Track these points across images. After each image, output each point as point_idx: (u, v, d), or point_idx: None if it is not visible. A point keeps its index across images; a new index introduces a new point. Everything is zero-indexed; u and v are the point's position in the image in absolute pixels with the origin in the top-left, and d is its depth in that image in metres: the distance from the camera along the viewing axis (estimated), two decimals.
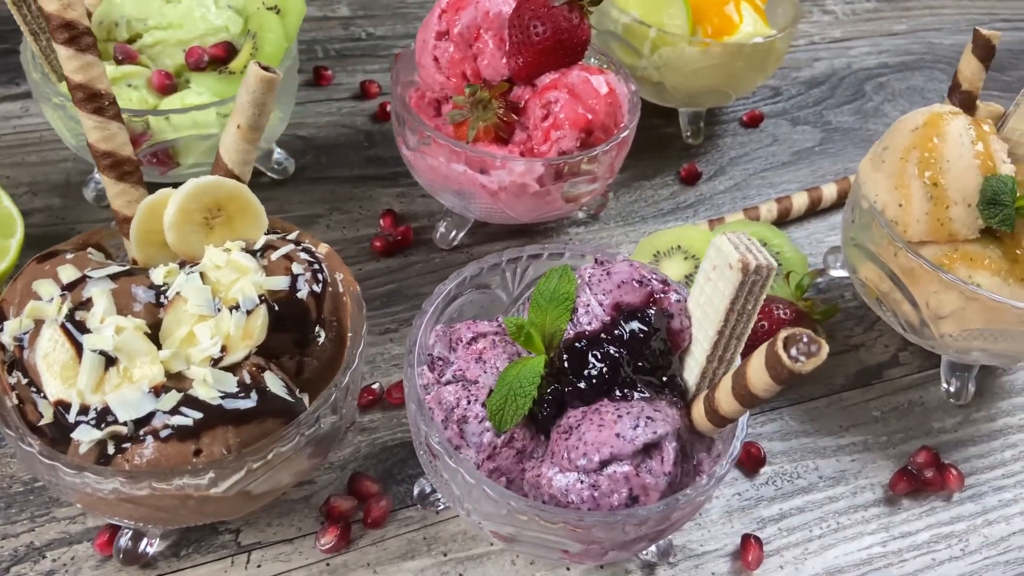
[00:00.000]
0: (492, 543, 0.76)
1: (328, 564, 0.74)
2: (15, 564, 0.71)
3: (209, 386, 0.62)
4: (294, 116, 1.15)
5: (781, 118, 1.29)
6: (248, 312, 0.65)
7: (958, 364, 0.92)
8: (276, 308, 0.67)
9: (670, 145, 1.21)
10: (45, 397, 0.62)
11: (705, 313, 0.66)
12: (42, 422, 0.62)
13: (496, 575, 0.75)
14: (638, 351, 0.68)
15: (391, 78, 0.96)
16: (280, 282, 0.68)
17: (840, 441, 0.88)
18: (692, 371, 0.69)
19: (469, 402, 0.67)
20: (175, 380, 0.63)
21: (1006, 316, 0.80)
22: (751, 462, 0.84)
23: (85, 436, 0.60)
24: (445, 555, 0.76)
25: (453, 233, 1.01)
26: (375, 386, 0.85)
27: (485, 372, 0.69)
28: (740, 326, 0.65)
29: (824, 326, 0.99)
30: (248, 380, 0.64)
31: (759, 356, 0.58)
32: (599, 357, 0.67)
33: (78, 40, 0.64)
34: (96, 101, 0.67)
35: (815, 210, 1.12)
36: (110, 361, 0.62)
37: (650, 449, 0.64)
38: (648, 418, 0.64)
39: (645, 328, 0.68)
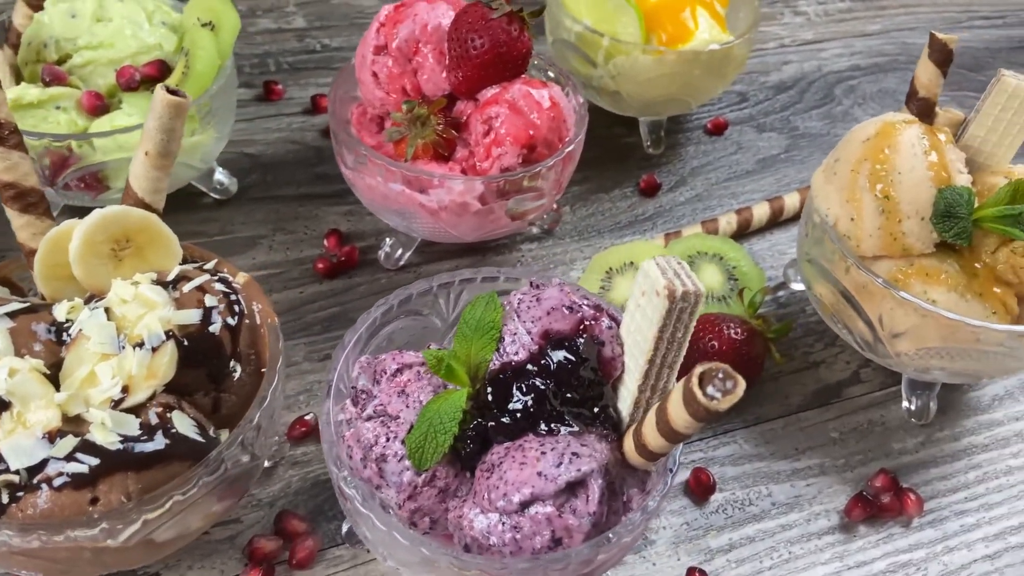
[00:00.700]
0: None
1: None
2: None
3: (108, 429, 0.59)
4: (242, 133, 1.12)
5: (747, 125, 1.26)
6: (153, 349, 0.62)
7: (919, 382, 0.89)
8: (186, 343, 0.64)
9: (631, 155, 1.18)
10: None
11: (636, 341, 0.63)
12: None
13: None
14: (566, 381, 0.65)
15: (329, 94, 0.93)
16: (191, 315, 0.65)
17: (796, 465, 0.85)
18: (625, 401, 0.66)
19: (388, 439, 0.64)
20: (73, 424, 0.60)
21: (963, 334, 0.77)
22: (700, 489, 0.81)
23: None
24: None
25: (399, 252, 0.98)
26: (308, 417, 0.82)
27: (407, 407, 0.66)
28: (671, 354, 0.62)
29: (784, 342, 0.96)
30: (154, 421, 0.62)
31: (678, 392, 0.55)
32: (524, 389, 0.64)
33: None
34: None
35: (777, 221, 1.09)
36: (3, 405, 0.59)
37: (575, 487, 0.61)
38: (573, 454, 0.61)
39: (573, 357, 0.65)
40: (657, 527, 0.79)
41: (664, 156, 1.19)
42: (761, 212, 1.07)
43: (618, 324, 0.67)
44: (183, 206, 1.01)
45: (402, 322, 0.75)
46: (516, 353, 0.66)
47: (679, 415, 0.55)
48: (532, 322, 0.67)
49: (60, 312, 0.65)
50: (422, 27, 0.90)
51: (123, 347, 0.62)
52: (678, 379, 0.63)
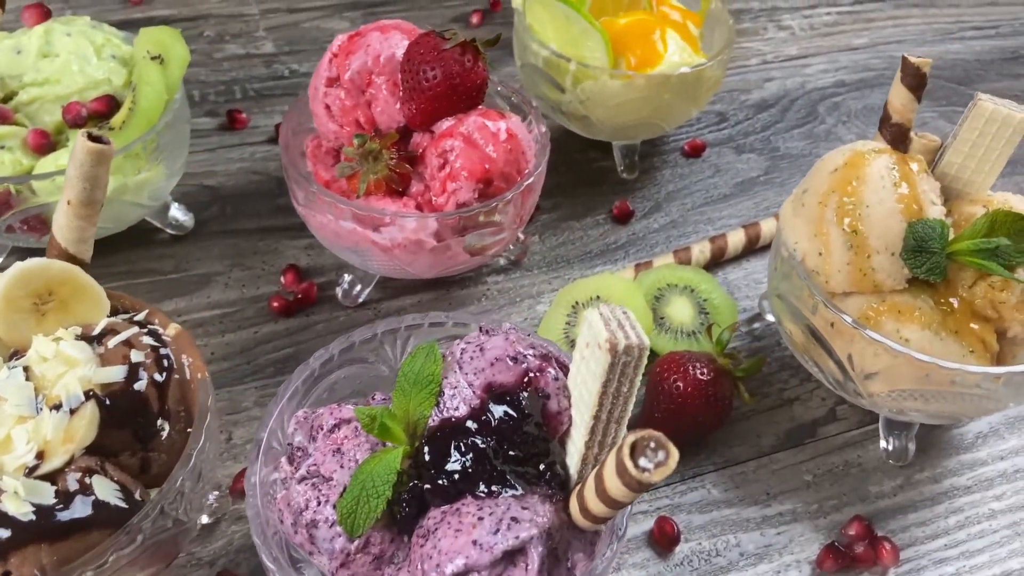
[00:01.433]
0: None
1: None
2: None
3: (20, 499, 0.56)
4: (202, 164, 1.09)
5: (725, 146, 1.22)
6: (72, 411, 0.59)
7: (897, 421, 0.85)
8: (108, 403, 0.61)
9: (605, 179, 1.15)
10: None
11: (581, 394, 0.60)
12: None
13: None
14: (509, 438, 0.61)
15: (282, 127, 0.90)
16: (115, 373, 0.62)
17: (766, 511, 0.81)
18: (573, 457, 0.62)
19: (320, 503, 0.60)
20: None
21: (937, 376, 0.73)
22: (665, 540, 0.77)
23: None
24: None
25: (357, 289, 0.95)
26: None
27: (341, 467, 0.62)
28: (617, 409, 0.59)
29: (757, 378, 0.92)
30: (72, 487, 0.58)
31: (611, 460, 0.51)
32: (463, 448, 0.61)
33: None
34: None
35: (753, 248, 1.05)
36: None
37: (513, 556, 0.57)
38: (512, 519, 0.58)
39: (515, 413, 0.62)
40: None
41: (639, 180, 1.15)
42: (736, 240, 1.04)
43: (567, 373, 0.64)
44: (138, 242, 0.99)
45: (346, 370, 0.72)
46: (457, 408, 0.63)
47: (614, 484, 0.51)
48: (474, 374, 0.63)
49: None
50: (375, 58, 0.87)
51: (40, 409, 0.59)
52: (631, 430, 0.60)
